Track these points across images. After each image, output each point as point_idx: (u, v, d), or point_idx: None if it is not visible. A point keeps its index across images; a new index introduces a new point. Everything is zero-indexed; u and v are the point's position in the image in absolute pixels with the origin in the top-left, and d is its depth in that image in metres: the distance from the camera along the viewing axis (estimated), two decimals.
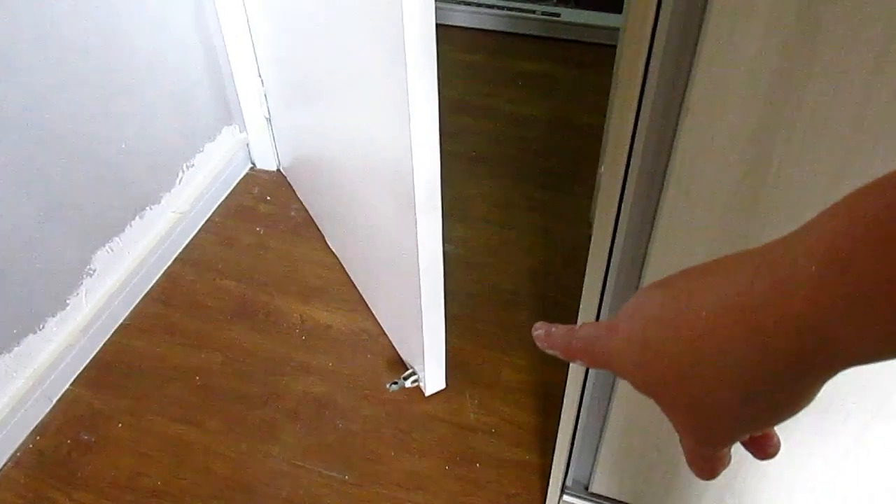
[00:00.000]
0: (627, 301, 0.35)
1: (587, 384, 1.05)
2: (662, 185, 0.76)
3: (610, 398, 1.06)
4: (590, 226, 1.74)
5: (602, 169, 1.63)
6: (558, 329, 0.39)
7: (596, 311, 0.90)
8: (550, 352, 0.39)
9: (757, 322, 0.27)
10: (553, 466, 1.15)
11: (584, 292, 0.89)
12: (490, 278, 1.64)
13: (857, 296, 0.24)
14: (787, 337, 0.26)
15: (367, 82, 1.12)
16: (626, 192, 0.78)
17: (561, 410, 1.39)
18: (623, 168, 0.75)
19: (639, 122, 0.72)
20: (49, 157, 1.34)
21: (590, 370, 1.02)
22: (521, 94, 2.18)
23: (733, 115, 0.65)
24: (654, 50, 0.67)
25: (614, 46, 2.29)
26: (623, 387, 1.00)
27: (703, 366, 0.29)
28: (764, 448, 0.37)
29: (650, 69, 0.68)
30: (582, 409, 1.11)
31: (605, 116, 2.05)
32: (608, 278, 0.87)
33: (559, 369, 1.47)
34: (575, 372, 1.02)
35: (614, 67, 1.47)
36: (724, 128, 0.66)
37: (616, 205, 0.79)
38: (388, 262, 1.35)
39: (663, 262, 0.80)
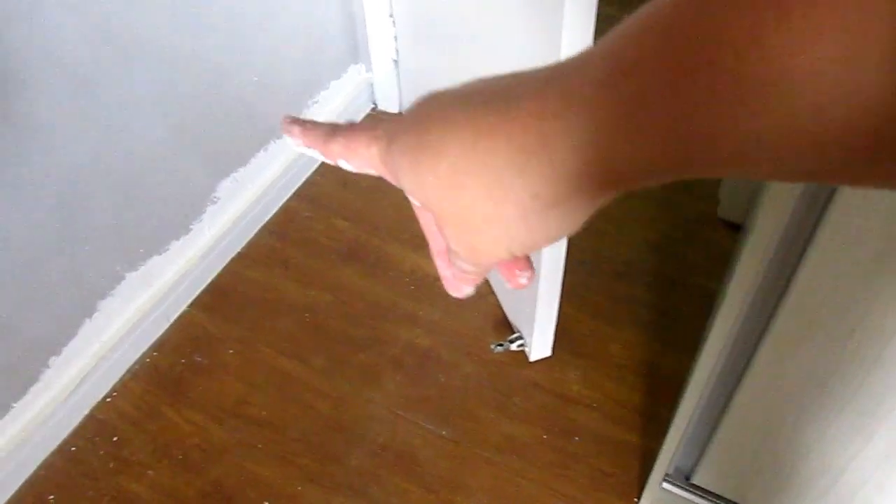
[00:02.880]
0: (401, 113, 0.31)
1: (713, 371, 1.00)
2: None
3: (733, 391, 1.00)
4: (717, 201, 1.66)
5: None
6: (316, 125, 0.35)
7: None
8: (305, 147, 0.35)
9: (521, 142, 0.25)
10: (662, 451, 1.11)
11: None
12: (605, 247, 1.59)
13: (638, 100, 0.22)
14: (565, 150, 0.24)
15: (515, 28, 1.07)
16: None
17: (669, 393, 1.34)
18: None
19: None
20: (184, 83, 1.36)
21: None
22: None
23: None
24: None
25: None
26: (750, 382, 0.95)
27: (457, 211, 0.28)
28: (515, 277, 0.36)
29: None
30: (700, 397, 1.06)
31: None
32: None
33: (670, 350, 1.42)
34: (707, 357, 0.97)
35: None
36: None
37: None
38: None
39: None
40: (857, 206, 0.67)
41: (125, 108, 1.25)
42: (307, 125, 0.35)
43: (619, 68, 0.23)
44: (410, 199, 0.31)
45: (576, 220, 0.28)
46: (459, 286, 0.37)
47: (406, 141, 0.30)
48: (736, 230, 1.61)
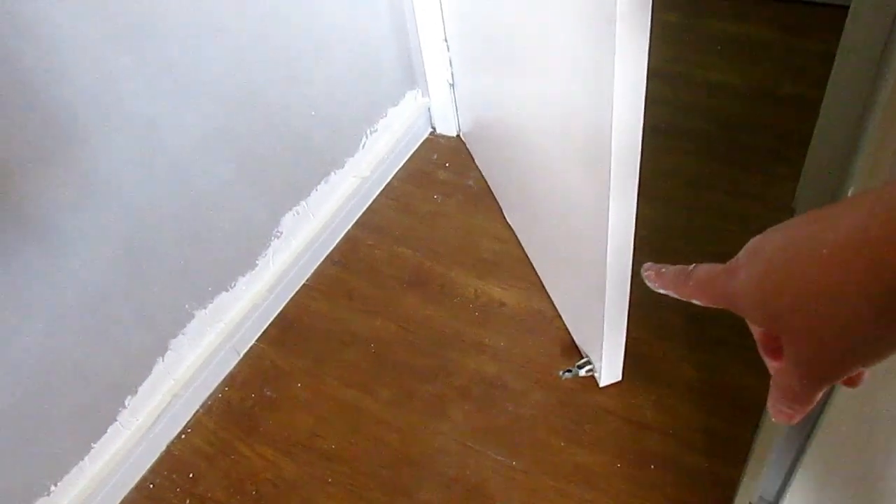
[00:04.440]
0: (746, 244, 0.36)
1: None
2: None
3: (820, 413, 0.95)
4: (793, 212, 1.58)
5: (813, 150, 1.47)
6: (669, 269, 0.41)
7: None
8: (662, 291, 0.41)
9: (875, 258, 0.28)
10: (745, 479, 1.06)
11: None
12: (673, 263, 1.53)
13: None
14: None
15: (566, 47, 1.04)
16: None
17: (749, 416, 1.29)
18: None
19: None
20: (245, 120, 1.38)
21: None
22: (717, 60, 2.00)
23: None
24: None
25: (830, 6, 2.05)
26: (837, 403, 0.90)
27: (825, 301, 0.31)
28: (854, 379, 0.37)
29: None
30: None
31: (815, 87, 1.84)
32: None
33: (748, 370, 1.36)
34: None
35: (844, 31, 1.29)
36: None
37: None
38: (572, 241, 1.29)
39: None
40: None
41: (187, 150, 1.28)
42: (661, 271, 0.42)
43: None
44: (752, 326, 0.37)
45: None
46: (803, 409, 0.37)
47: (770, 267, 0.34)
48: None
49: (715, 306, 0.38)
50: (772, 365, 0.39)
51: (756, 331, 0.40)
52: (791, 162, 1.65)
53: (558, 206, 1.31)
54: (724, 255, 1.39)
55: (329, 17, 1.50)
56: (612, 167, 0.99)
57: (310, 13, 1.45)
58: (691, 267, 0.40)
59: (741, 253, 0.37)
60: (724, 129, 1.82)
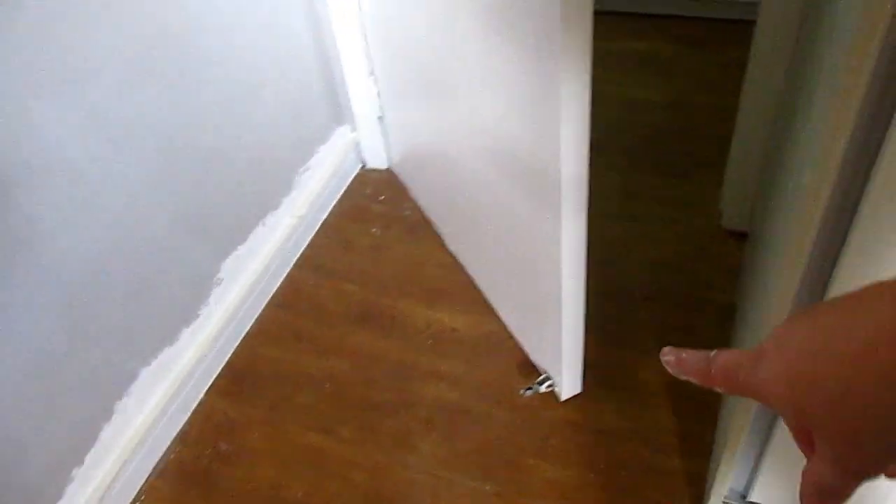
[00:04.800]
0: (772, 330, 0.35)
1: None
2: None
3: None
4: (720, 214, 1.65)
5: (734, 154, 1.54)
6: (690, 355, 0.40)
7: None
8: (684, 378, 0.40)
9: None
10: (719, 473, 1.08)
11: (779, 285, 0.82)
12: (619, 274, 1.57)
13: None
14: None
15: (508, 76, 1.06)
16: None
17: (708, 413, 1.32)
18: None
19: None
20: (179, 165, 1.34)
21: None
22: (632, 77, 2.08)
23: None
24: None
25: (730, 21, 2.18)
26: None
27: (858, 397, 0.30)
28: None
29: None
30: (747, 411, 1.04)
31: (728, 96, 1.94)
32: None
33: None
34: None
35: (753, 43, 1.37)
36: None
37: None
38: (522, 262, 1.30)
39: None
40: None
41: (122, 198, 1.23)
42: (682, 357, 0.41)
43: None
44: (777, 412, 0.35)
45: None
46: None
47: (800, 358, 0.33)
48: (742, 238, 1.61)
49: (741, 395, 0.37)
50: (807, 455, 0.37)
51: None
52: (713, 167, 1.72)
53: (505, 231, 1.32)
54: (662, 261, 1.45)
55: (255, 58, 1.48)
56: (562, 189, 1.02)
57: (237, 56, 1.43)
58: (713, 353, 0.39)
59: (766, 341, 0.35)
60: (649, 142, 1.89)
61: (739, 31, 1.77)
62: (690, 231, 1.65)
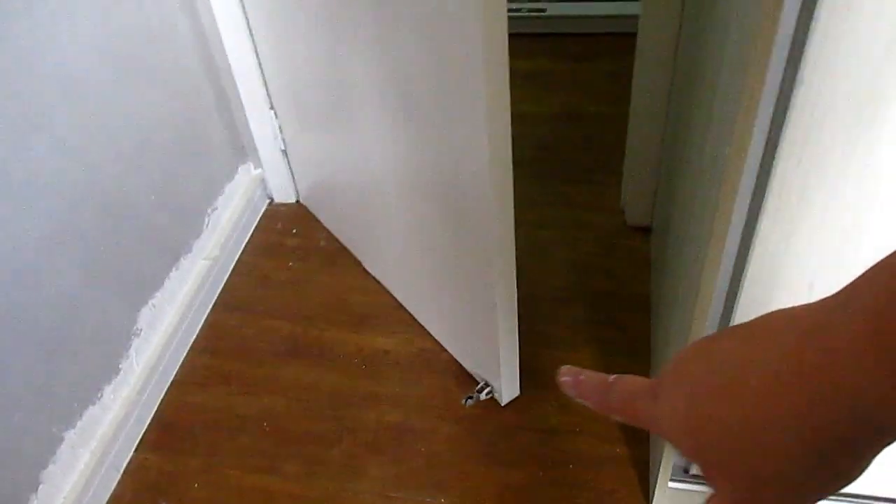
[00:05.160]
0: (669, 362, 0.33)
1: None
2: (774, 155, 0.75)
3: None
4: (622, 212, 1.74)
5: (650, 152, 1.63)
6: (589, 378, 0.37)
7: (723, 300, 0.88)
8: (580, 401, 0.37)
9: (809, 391, 0.26)
10: (664, 455, 1.13)
11: (704, 273, 0.88)
12: (538, 278, 1.63)
13: None
14: (842, 405, 0.25)
15: (429, 99, 1.10)
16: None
17: None
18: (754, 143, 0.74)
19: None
20: (86, 218, 1.29)
21: None
22: (522, 93, 2.17)
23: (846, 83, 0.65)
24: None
25: (606, 34, 2.31)
26: None
27: (757, 437, 0.28)
28: None
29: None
30: None
31: (614, 104, 2.06)
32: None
33: (631, 360, 1.46)
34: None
35: (637, 52, 1.47)
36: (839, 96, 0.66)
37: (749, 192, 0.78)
38: (450, 277, 1.33)
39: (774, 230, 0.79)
40: None
41: (29, 257, 1.17)
42: (580, 378, 0.37)
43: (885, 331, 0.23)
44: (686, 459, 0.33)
45: (862, 467, 0.28)
46: None
47: (698, 397, 0.31)
48: (647, 233, 1.70)
49: (638, 426, 0.35)
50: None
51: None
52: (610, 170, 1.82)
53: (431, 248, 1.35)
54: (577, 262, 1.52)
55: (150, 102, 1.45)
56: (492, 207, 1.05)
57: (132, 102, 1.39)
58: (611, 378, 0.36)
59: (664, 371, 0.33)
60: (546, 152, 1.97)
61: (621, 44, 1.89)
62: (598, 231, 1.73)
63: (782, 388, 0.27)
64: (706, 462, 0.31)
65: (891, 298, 0.24)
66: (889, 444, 0.26)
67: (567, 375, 0.38)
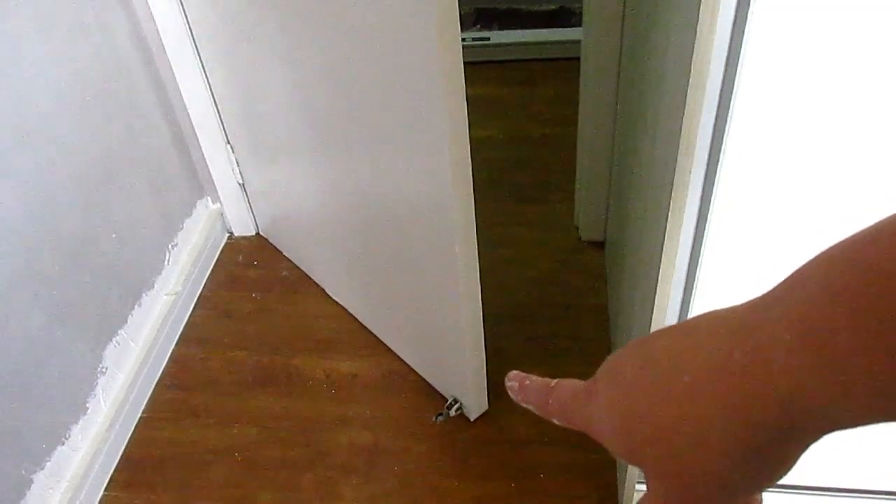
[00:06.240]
0: (605, 361, 0.34)
1: None
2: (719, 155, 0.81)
3: None
4: (577, 229, 1.81)
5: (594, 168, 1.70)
6: (533, 383, 0.38)
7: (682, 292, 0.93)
8: (524, 405, 0.38)
9: (737, 390, 0.26)
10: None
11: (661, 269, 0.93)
12: (498, 296, 1.67)
13: (833, 368, 0.24)
14: (769, 405, 0.26)
15: (384, 126, 1.14)
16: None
17: None
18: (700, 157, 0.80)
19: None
20: (48, 257, 1.29)
21: None
22: (471, 119, 2.23)
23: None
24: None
25: (549, 60, 2.40)
26: None
27: (687, 434, 0.28)
28: None
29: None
30: None
31: (560, 126, 2.14)
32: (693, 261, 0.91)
33: (587, 365, 1.50)
34: None
35: (581, 76, 1.54)
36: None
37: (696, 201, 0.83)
38: (415, 299, 1.36)
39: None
40: None
41: None
42: (525, 384, 0.38)
43: (811, 342, 0.24)
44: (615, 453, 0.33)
45: (791, 462, 0.28)
46: None
47: (625, 394, 0.31)
48: (600, 247, 1.77)
49: (576, 429, 0.35)
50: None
51: None
52: (561, 188, 1.89)
53: (395, 272, 1.38)
54: (536, 278, 1.58)
55: (108, 142, 1.46)
56: (456, 229, 1.10)
57: (89, 140, 1.40)
58: (553, 382, 0.37)
59: (599, 371, 0.34)
60: (499, 174, 2.03)
61: (566, 68, 1.97)
62: (554, 247, 1.78)
63: (712, 386, 0.27)
64: (640, 462, 0.31)
65: (818, 298, 0.25)
66: (816, 440, 0.27)
67: (513, 380, 0.38)
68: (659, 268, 0.93)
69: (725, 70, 0.73)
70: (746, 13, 0.67)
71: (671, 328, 0.31)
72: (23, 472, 1.24)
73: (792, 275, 0.27)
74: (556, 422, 0.36)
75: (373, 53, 1.05)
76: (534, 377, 0.38)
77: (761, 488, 0.29)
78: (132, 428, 1.49)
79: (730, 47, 0.71)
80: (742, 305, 0.28)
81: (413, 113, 1.03)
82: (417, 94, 0.99)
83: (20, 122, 1.22)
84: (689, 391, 0.28)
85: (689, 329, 0.30)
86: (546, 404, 0.36)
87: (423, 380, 1.52)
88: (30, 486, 1.25)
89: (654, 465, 0.30)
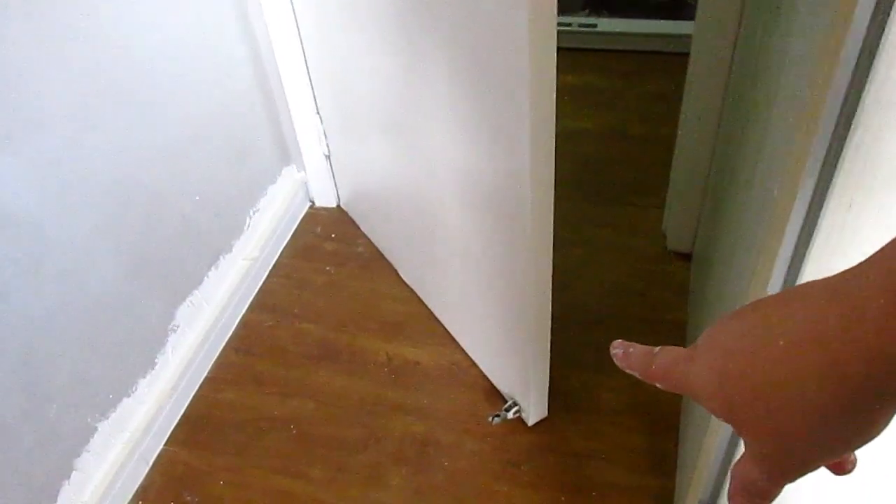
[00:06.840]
0: (703, 332, 0.36)
1: None
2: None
3: None
4: (664, 237, 1.72)
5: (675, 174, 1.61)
6: (636, 350, 0.41)
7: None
8: (629, 371, 0.41)
9: (832, 351, 0.28)
10: (690, 489, 1.12)
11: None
12: (572, 299, 1.62)
13: None
14: (861, 365, 0.27)
15: (470, 113, 1.10)
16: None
17: (670, 428, 1.36)
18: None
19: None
20: (130, 213, 1.32)
21: None
22: (568, 109, 2.16)
23: None
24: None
25: (656, 53, 2.29)
26: None
27: (783, 393, 0.30)
28: (841, 465, 0.38)
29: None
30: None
31: (661, 125, 2.04)
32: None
33: (658, 388, 1.44)
34: None
35: (688, 74, 1.45)
36: None
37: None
38: (485, 293, 1.33)
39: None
40: None
41: (75, 250, 1.20)
42: (629, 351, 0.41)
43: None
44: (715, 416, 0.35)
45: (882, 423, 0.30)
46: None
47: (726, 356, 0.34)
48: (687, 259, 1.68)
49: (676, 392, 0.38)
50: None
51: None
52: (653, 192, 1.80)
53: (468, 262, 1.35)
54: (614, 284, 1.50)
55: (200, 102, 1.48)
56: (530, 219, 1.05)
57: (182, 102, 1.42)
58: (656, 350, 0.40)
59: (699, 340, 0.36)
60: (588, 171, 1.95)
61: (672, 63, 1.87)
62: (638, 254, 1.71)
63: (808, 346, 0.29)
64: (737, 420, 0.33)
65: None
66: None
67: (618, 348, 0.42)
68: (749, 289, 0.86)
69: (844, 101, 0.65)
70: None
71: (765, 299, 0.33)
72: (88, 419, 1.28)
73: (888, 243, 0.28)
74: (658, 385, 0.39)
75: (465, 42, 1.01)
76: (637, 345, 0.41)
77: (853, 448, 0.31)
78: (196, 387, 1.52)
79: (852, 77, 0.63)
80: (834, 276, 0.30)
81: (498, 96, 0.99)
82: (503, 76, 0.95)
83: (118, 78, 1.24)
84: (786, 353, 0.30)
85: (783, 299, 0.32)
86: (649, 368, 0.39)
87: (485, 376, 1.48)
88: (94, 434, 1.29)
89: (751, 424, 0.32)
